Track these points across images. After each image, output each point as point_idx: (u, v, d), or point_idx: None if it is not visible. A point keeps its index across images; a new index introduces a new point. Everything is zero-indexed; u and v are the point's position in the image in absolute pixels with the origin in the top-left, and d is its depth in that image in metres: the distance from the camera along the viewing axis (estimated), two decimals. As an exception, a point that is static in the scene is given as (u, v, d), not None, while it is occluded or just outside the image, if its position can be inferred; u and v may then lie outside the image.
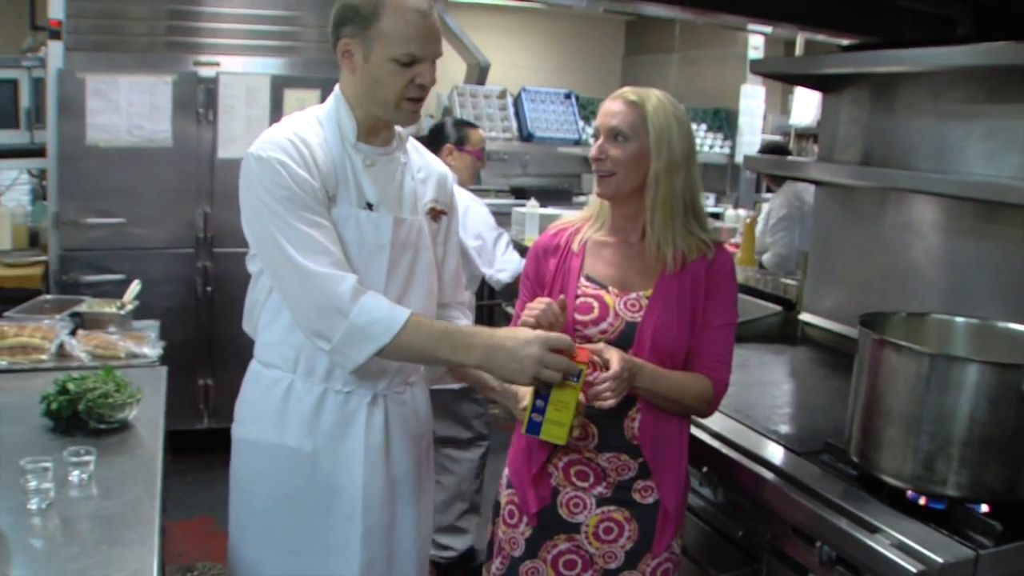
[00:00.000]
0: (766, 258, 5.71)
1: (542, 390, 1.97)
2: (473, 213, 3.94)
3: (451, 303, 2.42)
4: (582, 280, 2.22)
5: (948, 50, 2.56)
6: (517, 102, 7.05)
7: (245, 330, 2.29)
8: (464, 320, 2.44)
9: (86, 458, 2.12)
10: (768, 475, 2.28)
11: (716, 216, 7.74)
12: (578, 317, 2.17)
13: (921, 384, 2.02)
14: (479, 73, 7.09)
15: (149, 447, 2.39)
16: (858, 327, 2.23)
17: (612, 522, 2.22)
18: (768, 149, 7.05)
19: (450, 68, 7.85)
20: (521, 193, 7.41)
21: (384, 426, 2.20)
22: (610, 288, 2.20)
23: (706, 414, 2.29)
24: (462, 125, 4.22)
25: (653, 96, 2.16)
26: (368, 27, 2.01)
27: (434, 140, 4.07)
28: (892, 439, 2.09)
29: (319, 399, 2.15)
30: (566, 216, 2.42)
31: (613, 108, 2.17)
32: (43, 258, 4.89)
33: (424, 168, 2.30)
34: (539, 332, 1.97)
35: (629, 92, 2.18)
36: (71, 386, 2.45)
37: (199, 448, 4.48)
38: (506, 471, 2.35)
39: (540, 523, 2.24)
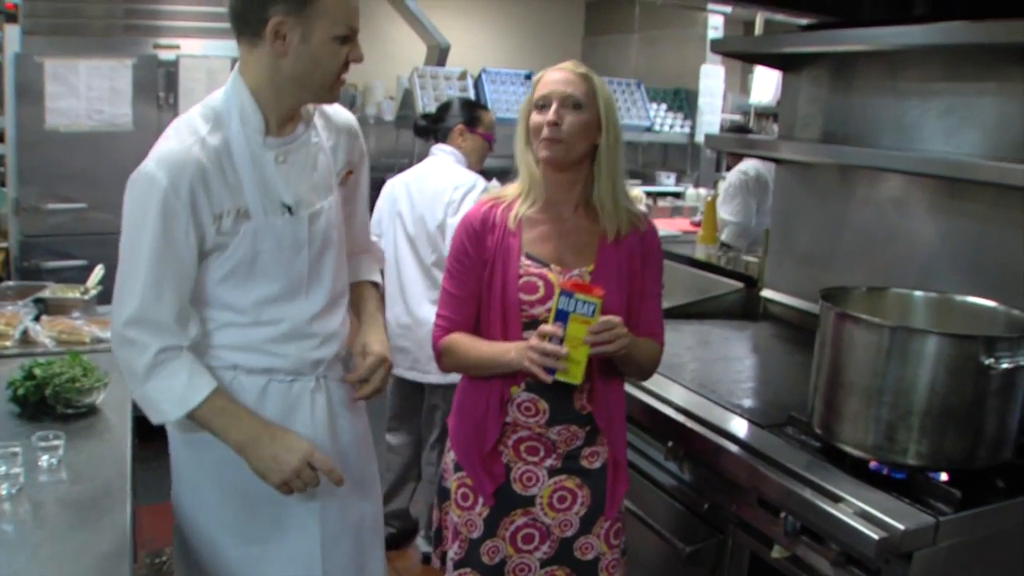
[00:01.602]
0: (726, 233, 5.73)
1: (557, 329, 2.00)
2: (472, 199, 3.71)
3: (361, 251, 2.38)
4: (523, 259, 2.20)
5: (905, 29, 2.59)
6: (477, 83, 7.03)
7: None
8: (375, 266, 2.40)
9: (55, 443, 2.12)
10: (733, 448, 2.31)
11: (677, 195, 7.76)
12: (523, 297, 2.15)
13: (881, 356, 2.06)
14: (439, 55, 7.06)
15: (117, 431, 2.39)
16: (819, 301, 2.27)
17: (565, 491, 2.24)
18: (730, 130, 7.12)
19: (410, 50, 7.82)
20: (481, 174, 7.36)
21: (327, 404, 2.18)
22: (552, 266, 2.19)
23: (650, 375, 2.36)
24: (474, 106, 4.05)
25: (593, 73, 2.22)
26: (307, 5, 1.87)
27: (439, 119, 3.96)
28: (854, 411, 2.13)
29: (263, 389, 2.10)
30: (494, 190, 2.43)
31: (567, 77, 2.18)
32: (3, 245, 4.83)
33: (332, 133, 2.20)
34: (309, 447, 2.01)
35: (575, 65, 2.22)
36: (38, 371, 2.44)
37: (163, 434, 4.45)
38: (450, 455, 2.32)
39: (496, 501, 2.24)
